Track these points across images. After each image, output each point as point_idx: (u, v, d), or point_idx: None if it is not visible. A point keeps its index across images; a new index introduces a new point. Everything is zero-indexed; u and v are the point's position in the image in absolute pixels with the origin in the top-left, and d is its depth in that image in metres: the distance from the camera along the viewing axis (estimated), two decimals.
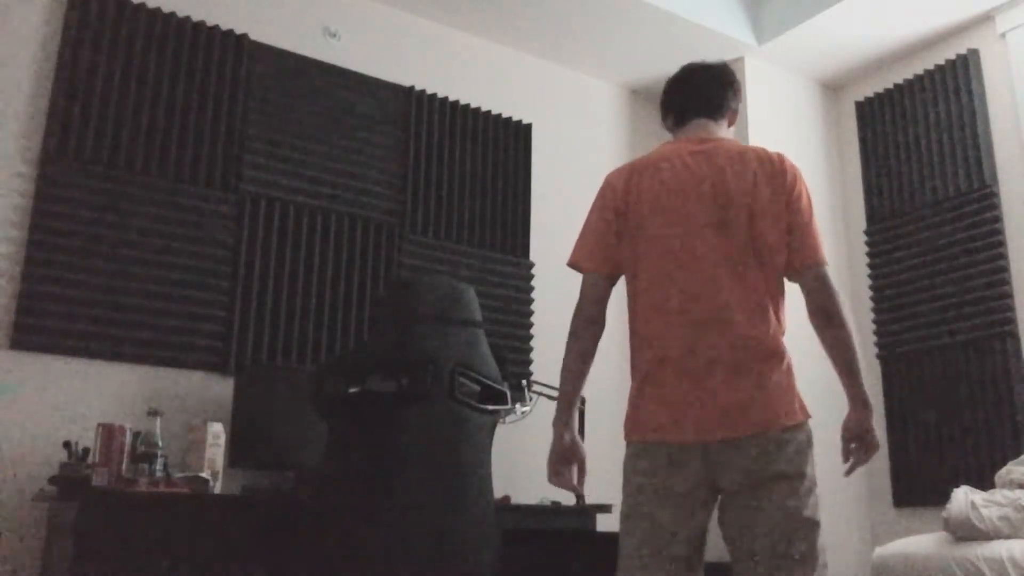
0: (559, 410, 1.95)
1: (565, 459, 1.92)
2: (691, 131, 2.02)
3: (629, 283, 1.95)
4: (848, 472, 1.92)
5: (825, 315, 1.86)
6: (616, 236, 1.95)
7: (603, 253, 1.96)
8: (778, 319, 1.86)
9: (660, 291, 1.86)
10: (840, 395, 1.93)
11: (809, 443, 1.80)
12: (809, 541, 1.72)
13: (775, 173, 1.90)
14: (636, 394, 1.89)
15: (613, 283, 1.98)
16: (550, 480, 1.93)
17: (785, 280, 1.91)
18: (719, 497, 1.82)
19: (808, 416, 1.83)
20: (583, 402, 3.67)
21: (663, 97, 2.11)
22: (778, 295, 1.87)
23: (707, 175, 1.90)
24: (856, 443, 1.88)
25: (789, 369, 1.83)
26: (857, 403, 1.88)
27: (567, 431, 1.93)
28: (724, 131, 2.06)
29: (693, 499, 1.78)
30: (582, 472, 1.95)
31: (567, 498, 3.64)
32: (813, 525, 1.74)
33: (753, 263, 1.84)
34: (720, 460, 1.77)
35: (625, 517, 1.83)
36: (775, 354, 1.80)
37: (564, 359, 1.98)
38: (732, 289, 1.82)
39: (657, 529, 1.77)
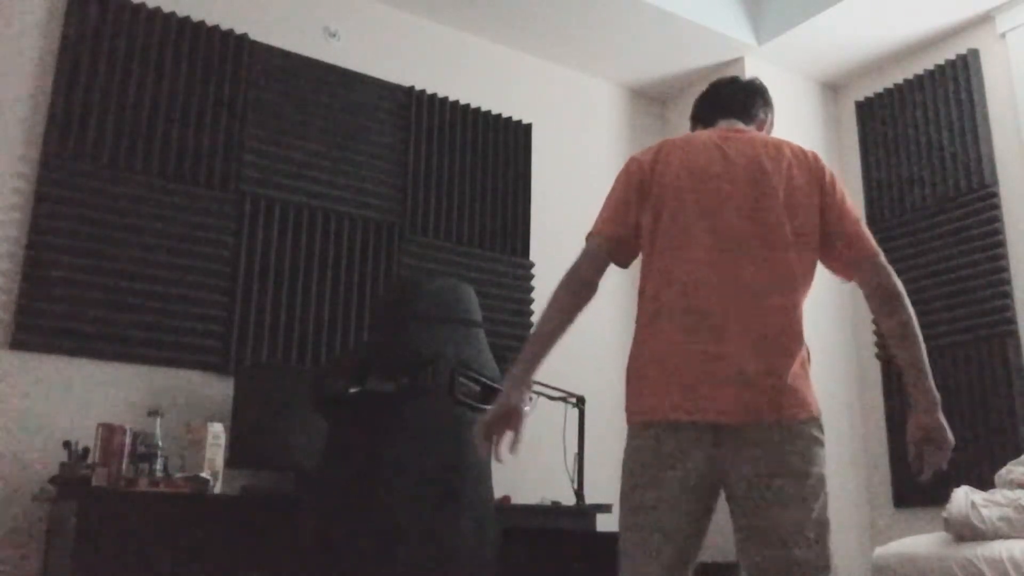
0: (517, 366, 1.80)
1: (503, 421, 1.78)
2: (720, 127, 1.97)
3: (647, 257, 1.84)
4: (924, 476, 1.84)
5: (894, 298, 1.78)
6: (636, 209, 1.87)
7: (617, 221, 1.87)
8: (801, 308, 1.79)
9: (683, 264, 1.77)
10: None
11: (821, 441, 1.72)
12: (821, 543, 1.66)
13: (811, 166, 1.86)
14: (635, 358, 1.78)
15: (617, 256, 1.89)
16: (475, 438, 1.80)
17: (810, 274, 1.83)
18: (723, 491, 1.74)
19: (819, 413, 1.76)
20: (582, 401, 3.67)
21: (694, 111, 2.10)
22: (805, 285, 1.80)
23: (741, 157, 1.84)
24: (929, 444, 1.79)
25: (807, 360, 1.77)
26: (928, 399, 1.78)
27: (515, 391, 1.78)
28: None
29: (699, 490, 1.69)
30: (516, 440, 1.81)
31: (567, 498, 3.64)
32: (823, 526, 1.68)
33: (785, 247, 1.76)
34: (730, 447, 1.68)
35: (631, 512, 1.73)
36: (799, 338, 1.74)
37: (544, 312, 1.82)
38: (763, 269, 1.74)
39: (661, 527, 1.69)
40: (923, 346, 1.77)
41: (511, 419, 1.79)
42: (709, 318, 1.71)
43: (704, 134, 1.91)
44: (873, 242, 1.84)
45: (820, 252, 1.84)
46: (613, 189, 1.92)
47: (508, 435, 1.82)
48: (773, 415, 1.67)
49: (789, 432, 1.67)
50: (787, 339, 1.71)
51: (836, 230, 1.83)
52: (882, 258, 1.82)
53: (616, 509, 2.94)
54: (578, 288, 1.84)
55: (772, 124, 2.11)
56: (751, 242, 1.76)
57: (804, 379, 1.73)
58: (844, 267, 1.86)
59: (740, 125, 1.98)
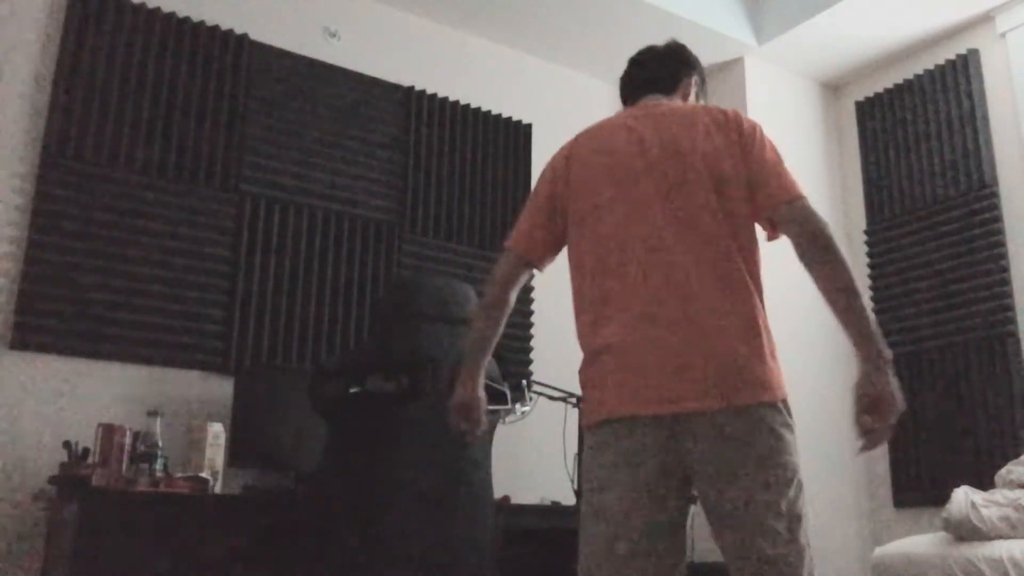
0: (463, 368, 1.91)
1: (462, 412, 1.89)
2: (640, 105, 1.88)
3: (574, 270, 1.78)
4: (863, 448, 1.58)
5: (816, 246, 1.60)
6: (548, 217, 1.83)
7: (529, 234, 1.84)
8: (756, 286, 1.65)
9: (612, 264, 1.68)
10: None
11: (788, 425, 1.60)
12: (794, 539, 1.53)
13: (729, 126, 1.73)
14: (587, 367, 1.71)
15: (529, 267, 1.88)
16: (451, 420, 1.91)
17: (760, 243, 1.71)
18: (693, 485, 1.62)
19: (785, 396, 1.62)
20: (582, 401, 3.67)
21: (620, 89, 2.00)
22: (751, 258, 1.67)
23: (653, 136, 1.74)
24: (871, 410, 1.55)
25: (768, 339, 1.62)
26: (868, 355, 1.56)
27: (465, 385, 1.89)
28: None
29: (657, 487, 1.58)
30: (475, 425, 1.90)
31: (567, 498, 3.64)
32: (795, 519, 1.54)
33: (717, 225, 1.64)
34: (687, 438, 1.57)
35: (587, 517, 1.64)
36: (747, 319, 1.60)
37: (471, 334, 1.93)
38: (695, 261, 1.62)
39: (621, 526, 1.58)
40: (859, 295, 1.58)
41: (468, 410, 1.88)
42: (648, 313, 1.61)
43: (617, 116, 1.83)
44: (795, 185, 1.68)
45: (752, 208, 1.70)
46: (531, 197, 1.89)
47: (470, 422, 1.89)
48: (721, 401, 1.54)
49: (743, 417, 1.55)
50: (732, 321, 1.59)
51: (755, 180, 1.68)
52: (806, 202, 1.65)
53: None
54: (491, 313, 1.89)
55: (701, 83, 1.98)
56: (680, 227, 1.65)
57: (759, 360, 1.58)
58: (767, 222, 1.70)
59: (661, 99, 1.87)
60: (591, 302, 1.71)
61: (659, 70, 1.93)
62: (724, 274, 1.62)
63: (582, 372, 1.73)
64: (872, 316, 1.58)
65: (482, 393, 1.90)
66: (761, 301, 1.65)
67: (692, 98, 1.96)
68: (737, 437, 1.55)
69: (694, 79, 1.96)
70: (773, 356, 1.62)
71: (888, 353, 1.57)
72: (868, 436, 1.56)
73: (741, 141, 1.71)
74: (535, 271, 1.93)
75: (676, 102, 1.87)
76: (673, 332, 1.59)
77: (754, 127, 1.75)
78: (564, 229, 1.83)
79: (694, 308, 1.60)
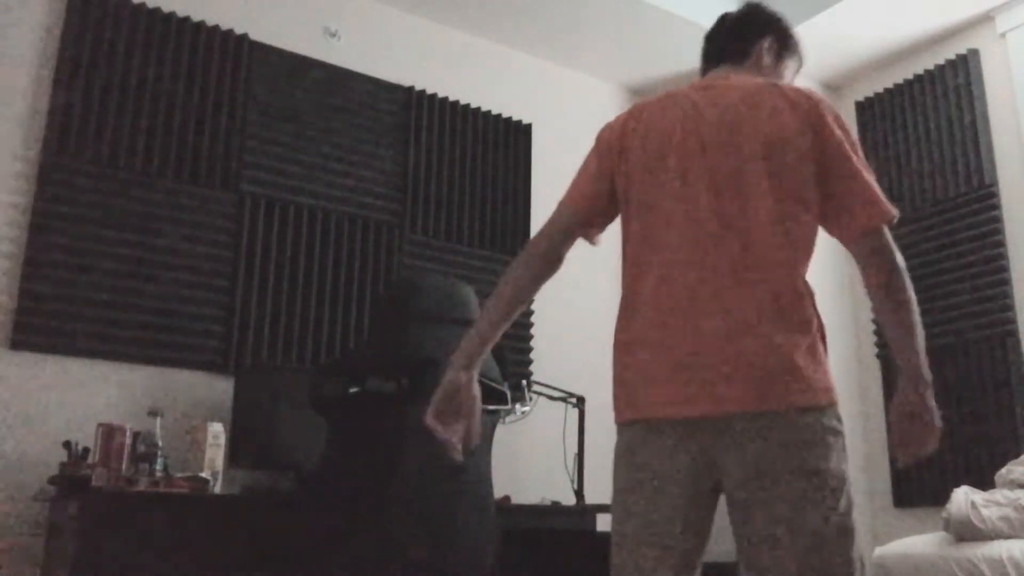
0: (462, 346, 1.61)
1: (449, 403, 1.59)
2: (708, 77, 1.71)
3: (623, 240, 1.64)
4: (902, 464, 1.55)
5: (893, 286, 1.51)
6: (601, 181, 1.66)
7: (583, 192, 1.67)
8: (797, 281, 1.50)
9: (656, 251, 1.55)
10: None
11: (837, 431, 1.47)
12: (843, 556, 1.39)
13: (805, 109, 1.54)
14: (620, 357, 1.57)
15: (584, 228, 1.68)
16: (428, 421, 1.59)
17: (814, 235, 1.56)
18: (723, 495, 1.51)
19: (835, 401, 1.50)
20: (582, 401, 3.67)
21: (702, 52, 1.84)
22: (800, 252, 1.52)
23: (714, 113, 1.57)
24: (913, 425, 1.50)
25: (817, 340, 1.50)
26: (917, 375, 1.50)
27: (464, 372, 1.59)
28: (754, 76, 1.70)
29: (692, 492, 1.48)
30: (471, 429, 1.59)
31: (567, 498, 3.64)
32: (846, 535, 1.41)
33: (767, 214, 1.49)
34: (720, 443, 1.45)
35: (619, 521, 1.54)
36: (796, 316, 1.47)
37: (496, 288, 1.63)
38: (741, 244, 1.49)
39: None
40: (919, 325, 1.50)
41: (460, 403, 1.59)
42: (684, 307, 1.49)
43: (677, 92, 1.66)
44: (882, 207, 1.52)
45: (820, 213, 1.55)
46: (584, 160, 1.72)
47: (459, 425, 1.59)
48: (763, 403, 1.42)
49: (786, 422, 1.42)
50: (779, 318, 1.45)
51: (832, 188, 1.53)
52: (886, 236, 1.53)
53: None
54: (538, 263, 1.64)
55: (783, 44, 1.80)
56: (727, 213, 1.50)
57: (810, 361, 1.46)
58: (842, 235, 1.57)
59: (730, 71, 1.71)
60: (626, 294, 1.59)
61: (727, 40, 1.76)
62: (770, 272, 1.48)
63: (613, 363, 1.59)
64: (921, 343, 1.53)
65: (476, 385, 1.63)
66: (807, 303, 1.51)
67: (770, 63, 1.77)
68: (773, 441, 1.42)
69: (767, 42, 1.77)
70: (819, 356, 1.49)
71: (930, 377, 1.51)
72: (907, 451, 1.53)
73: (816, 130, 1.53)
74: (590, 241, 1.74)
75: (744, 75, 1.67)
76: (714, 334, 1.46)
77: (837, 116, 1.56)
78: (615, 204, 1.67)
79: (738, 307, 1.47)
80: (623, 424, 1.56)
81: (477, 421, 1.61)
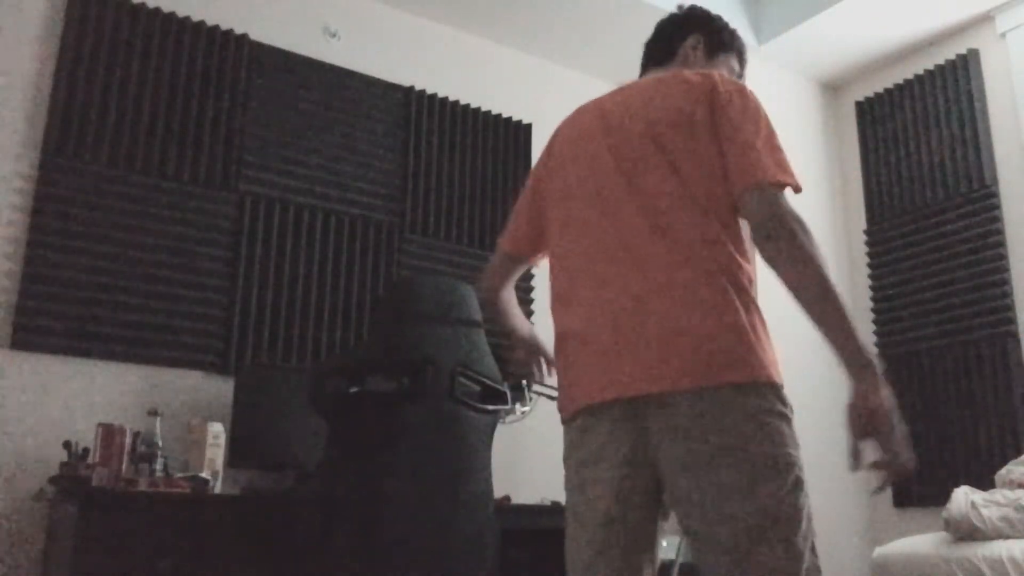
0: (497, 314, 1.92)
1: (529, 349, 1.84)
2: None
3: (549, 257, 1.70)
4: (876, 491, 1.37)
5: (770, 244, 1.38)
6: (531, 208, 1.76)
7: (515, 228, 1.81)
8: (730, 263, 1.44)
9: (567, 275, 1.57)
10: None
11: (778, 412, 1.38)
12: (787, 545, 1.31)
13: (701, 84, 1.52)
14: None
15: (518, 264, 1.84)
16: (519, 369, 1.82)
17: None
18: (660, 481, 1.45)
19: (778, 380, 1.41)
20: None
21: None
22: (726, 233, 1.46)
23: (617, 108, 1.59)
24: (867, 435, 1.33)
25: (748, 313, 1.42)
26: (852, 369, 1.35)
27: (522, 323, 1.87)
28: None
29: (624, 481, 1.43)
30: (549, 363, 1.82)
31: None
32: (790, 523, 1.32)
33: (678, 204, 1.46)
34: (655, 425, 1.40)
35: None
36: (719, 289, 1.42)
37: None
38: (658, 262, 1.44)
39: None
40: (837, 300, 1.36)
41: (533, 347, 1.83)
42: (603, 296, 1.47)
43: (597, 99, 1.69)
44: (763, 167, 1.43)
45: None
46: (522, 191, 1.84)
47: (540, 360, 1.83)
48: (693, 381, 1.36)
49: (720, 400, 1.34)
50: (699, 292, 1.40)
51: (726, 144, 1.48)
52: (771, 191, 1.41)
53: None
54: (487, 309, 1.92)
55: (712, 40, 1.75)
56: (639, 207, 1.48)
57: (738, 336, 1.38)
58: (736, 204, 1.48)
59: (655, 72, 1.73)
60: (558, 287, 1.61)
61: (654, 44, 1.79)
62: (692, 254, 1.44)
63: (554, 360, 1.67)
64: (851, 317, 1.38)
65: (530, 331, 1.87)
66: (739, 275, 1.45)
67: (699, 60, 1.74)
68: (702, 422, 1.35)
69: (691, 40, 1.75)
70: (755, 332, 1.41)
71: (874, 361, 1.35)
72: (878, 471, 1.33)
73: (712, 104, 1.50)
74: (531, 266, 1.90)
75: (668, 72, 1.64)
76: (628, 310, 1.44)
77: (731, 92, 1.51)
78: (537, 225, 1.78)
79: (652, 285, 1.43)
80: (564, 421, 1.58)
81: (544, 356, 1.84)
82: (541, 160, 1.77)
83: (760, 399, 1.37)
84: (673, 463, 1.38)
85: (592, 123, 1.62)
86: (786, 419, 1.40)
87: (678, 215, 1.45)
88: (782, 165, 1.46)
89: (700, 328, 1.38)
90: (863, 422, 1.34)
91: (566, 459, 1.55)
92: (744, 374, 1.36)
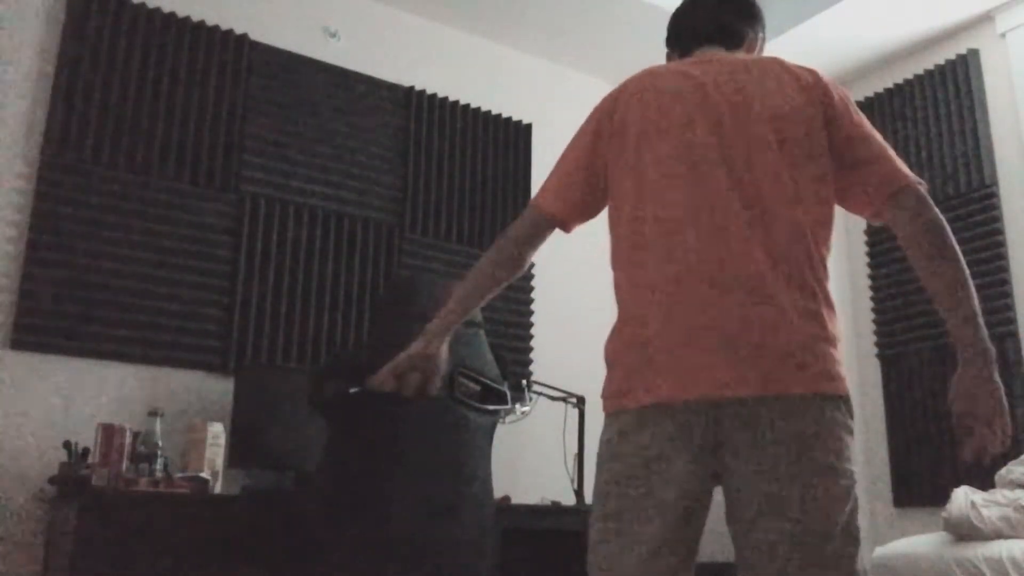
0: (443, 319, 1.62)
1: (410, 364, 1.59)
2: (696, 56, 1.64)
3: (618, 226, 1.54)
4: (973, 458, 1.39)
5: (941, 233, 1.42)
6: (587, 176, 1.59)
7: (562, 193, 1.61)
8: (823, 269, 1.44)
9: (651, 254, 1.45)
10: None
11: (848, 427, 1.39)
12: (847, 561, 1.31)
13: (812, 85, 1.50)
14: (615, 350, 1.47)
15: (550, 231, 1.65)
16: (379, 377, 1.61)
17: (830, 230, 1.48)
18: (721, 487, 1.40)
19: (848, 393, 1.41)
20: (582, 401, 3.67)
21: (668, 31, 1.73)
22: (821, 239, 1.45)
23: (716, 85, 1.50)
24: (975, 417, 1.38)
25: (833, 324, 1.42)
26: (976, 353, 1.42)
27: (436, 342, 1.59)
28: None
29: (692, 490, 1.35)
30: (429, 379, 1.59)
31: (567, 498, 3.64)
32: (851, 542, 1.33)
33: (785, 199, 1.42)
34: (727, 430, 1.34)
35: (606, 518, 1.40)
36: (812, 296, 1.40)
37: (468, 274, 1.63)
38: (754, 238, 1.40)
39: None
40: (973, 289, 1.42)
41: (424, 364, 1.59)
42: (689, 287, 1.39)
43: (672, 64, 1.59)
44: (907, 171, 1.48)
45: (836, 188, 1.50)
46: (569, 146, 1.64)
47: (416, 376, 1.59)
48: (768, 387, 1.33)
49: (796, 410, 1.32)
50: (789, 300, 1.37)
51: (854, 159, 1.48)
52: (922, 189, 1.47)
53: None
54: (502, 266, 1.62)
55: (764, 41, 1.74)
56: (741, 195, 1.43)
57: (827, 346, 1.38)
58: (871, 203, 1.50)
59: (722, 53, 1.62)
60: (627, 268, 1.49)
61: (720, 19, 1.67)
62: (787, 254, 1.40)
63: (608, 342, 1.50)
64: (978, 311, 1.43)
65: (444, 354, 1.62)
66: (826, 285, 1.44)
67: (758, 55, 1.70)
68: (786, 433, 1.31)
69: (760, 37, 1.72)
70: (835, 345, 1.41)
71: (991, 349, 1.43)
72: (971, 444, 1.38)
73: (826, 106, 1.49)
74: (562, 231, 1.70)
75: (764, 58, 1.58)
76: (715, 308, 1.37)
77: (844, 98, 1.52)
78: (603, 191, 1.59)
79: (746, 281, 1.37)
80: (611, 413, 1.45)
81: (437, 378, 1.61)
82: (602, 124, 1.59)
83: (842, 414, 1.39)
84: (743, 472, 1.34)
85: (686, 92, 1.51)
86: (852, 435, 1.42)
87: (786, 213, 1.42)
88: (906, 168, 1.51)
89: (793, 333, 1.36)
90: (964, 403, 1.40)
91: (608, 452, 1.43)
92: (827, 384, 1.37)
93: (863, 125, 1.51)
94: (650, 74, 1.57)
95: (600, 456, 1.45)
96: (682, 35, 1.70)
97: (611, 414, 1.45)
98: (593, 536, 1.41)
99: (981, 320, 1.42)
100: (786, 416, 1.32)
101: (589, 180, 1.60)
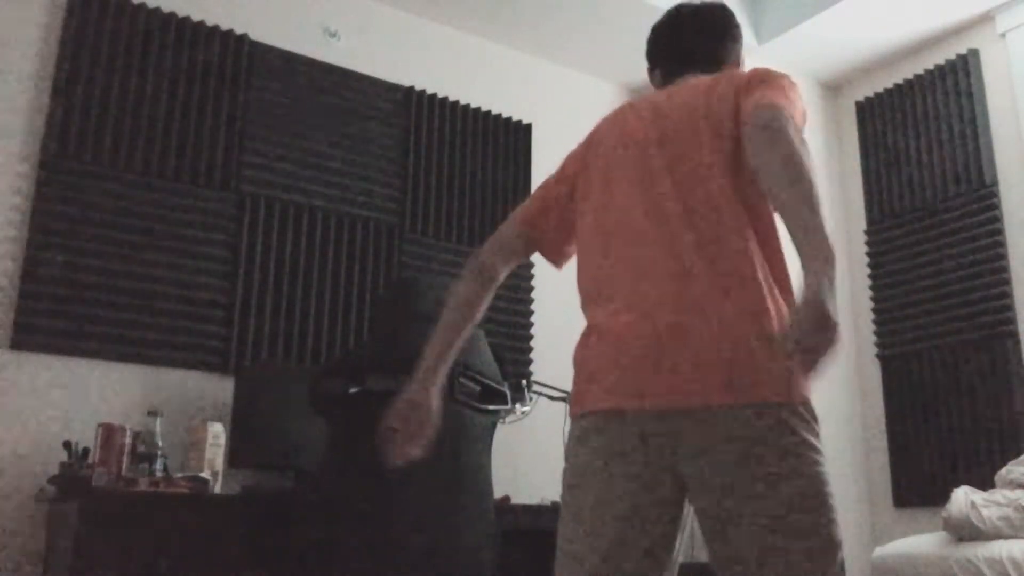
0: (421, 363, 1.61)
1: (407, 418, 1.58)
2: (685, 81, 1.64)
3: (579, 245, 1.56)
4: (801, 371, 1.21)
5: (765, 132, 1.33)
6: (559, 198, 1.61)
7: (534, 211, 1.63)
8: (771, 272, 1.40)
9: (610, 251, 1.47)
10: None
11: (814, 431, 1.34)
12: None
13: (738, 79, 1.49)
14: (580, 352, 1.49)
15: (530, 249, 1.67)
16: (386, 428, 1.57)
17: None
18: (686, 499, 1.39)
19: (807, 398, 1.35)
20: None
21: (648, 46, 1.74)
22: (766, 240, 1.42)
23: (669, 104, 1.52)
24: (804, 327, 1.15)
25: (770, 332, 1.34)
26: (817, 262, 1.18)
27: (425, 389, 1.59)
28: None
29: (649, 499, 1.36)
30: (414, 438, 1.57)
31: None
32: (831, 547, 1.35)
33: (725, 199, 1.41)
34: (685, 441, 1.32)
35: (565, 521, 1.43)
36: (759, 309, 1.34)
37: (446, 303, 1.62)
38: (697, 240, 1.39)
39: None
40: (814, 190, 1.25)
41: (417, 416, 1.58)
42: (640, 292, 1.40)
43: (644, 97, 1.61)
44: (776, 98, 1.40)
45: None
46: (544, 182, 1.69)
47: (412, 431, 1.58)
48: (732, 396, 1.30)
49: (755, 417, 1.29)
50: (737, 306, 1.35)
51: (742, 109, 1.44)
52: (785, 116, 1.36)
53: None
54: (478, 277, 1.64)
55: (742, 58, 1.75)
56: (684, 201, 1.42)
57: (768, 352, 1.32)
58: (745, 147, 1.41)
59: (707, 79, 1.58)
60: (589, 278, 1.52)
61: (702, 45, 1.69)
62: (729, 256, 1.38)
63: (576, 350, 1.51)
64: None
65: (436, 402, 1.61)
66: (777, 287, 1.39)
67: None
68: (747, 440, 1.29)
69: (742, 53, 1.74)
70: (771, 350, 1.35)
71: (832, 256, 1.20)
72: (800, 358, 1.18)
73: (738, 88, 1.47)
74: (553, 266, 1.72)
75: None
76: (667, 315, 1.36)
77: (767, 72, 1.49)
78: (574, 215, 1.60)
79: (694, 289, 1.36)
80: (575, 416, 1.46)
81: (426, 435, 1.60)
82: (576, 153, 1.66)
83: (802, 419, 1.33)
84: (709, 483, 1.32)
85: (643, 115, 1.55)
86: (818, 437, 1.37)
87: (729, 221, 1.40)
88: (790, 103, 1.42)
89: (743, 342, 1.33)
90: (811, 325, 1.16)
91: (570, 451, 1.46)
92: (780, 390, 1.32)
93: (759, 84, 1.46)
94: (621, 106, 1.63)
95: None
96: (661, 59, 1.72)
97: (572, 416, 1.50)
98: None
99: (824, 228, 1.22)
100: (741, 422, 1.32)
101: (562, 204, 1.68)
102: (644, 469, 1.35)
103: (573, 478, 1.43)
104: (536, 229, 1.66)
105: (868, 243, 4.37)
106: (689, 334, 1.34)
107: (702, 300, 1.35)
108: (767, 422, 1.29)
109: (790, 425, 1.30)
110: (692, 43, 1.68)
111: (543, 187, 1.68)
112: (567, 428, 4.06)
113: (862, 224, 4.44)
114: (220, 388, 3.25)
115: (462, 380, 2.37)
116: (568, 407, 1.50)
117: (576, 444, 1.44)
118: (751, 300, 1.35)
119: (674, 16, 1.73)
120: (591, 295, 1.51)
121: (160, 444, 2.74)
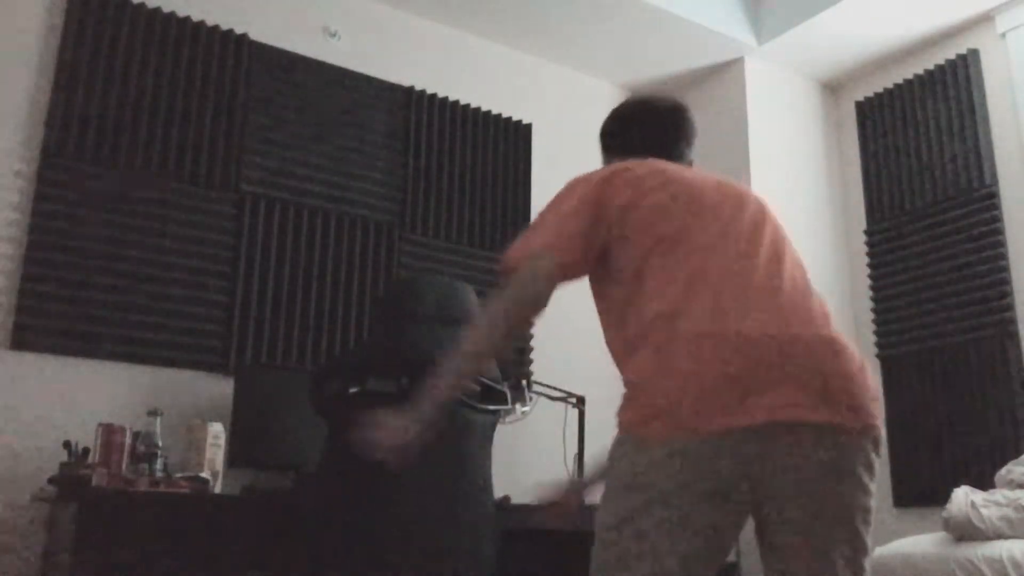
0: (441, 381, 1.62)
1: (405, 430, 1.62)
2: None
3: (658, 284, 1.48)
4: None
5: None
6: (592, 229, 1.56)
7: (571, 241, 1.54)
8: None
9: (707, 278, 1.46)
10: None
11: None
12: None
13: None
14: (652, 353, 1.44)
15: (566, 279, 1.59)
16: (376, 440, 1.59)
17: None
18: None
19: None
20: (582, 401, 3.67)
21: (631, 131, 1.81)
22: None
23: (728, 187, 1.64)
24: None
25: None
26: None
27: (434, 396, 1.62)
28: None
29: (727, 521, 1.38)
30: (405, 451, 1.59)
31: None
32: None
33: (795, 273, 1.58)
34: (767, 454, 1.33)
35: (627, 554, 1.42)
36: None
37: (487, 329, 1.55)
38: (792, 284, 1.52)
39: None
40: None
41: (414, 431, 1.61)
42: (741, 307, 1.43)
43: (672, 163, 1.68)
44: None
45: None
46: (566, 203, 1.58)
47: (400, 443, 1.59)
48: (829, 415, 1.35)
49: (847, 439, 1.35)
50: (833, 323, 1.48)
51: None
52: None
53: None
54: (533, 310, 1.54)
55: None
56: (761, 258, 1.52)
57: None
58: None
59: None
60: (670, 303, 1.45)
61: (687, 143, 1.83)
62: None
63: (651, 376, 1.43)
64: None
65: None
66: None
67: None
68: (837, 462, 1.32)
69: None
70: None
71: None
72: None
73: None
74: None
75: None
76: (764, 331, 1.38)
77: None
78: (603, 246, 1.58)
79: (793, 313, 1.42)
80: (664, 440, 1.37)
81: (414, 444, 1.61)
82: (611, 191, 1.58)
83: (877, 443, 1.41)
84: (791, 505, 1.37)
85: (700, 180, 1.62)
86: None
87: (799, 279, 1.53)
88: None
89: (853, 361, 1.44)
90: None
91: (655, 472, 1.39)
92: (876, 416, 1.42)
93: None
94: (654, 163, 1.66)
95: None
96: (672, 137, 1.80)
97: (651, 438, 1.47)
98: None
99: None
100: (835, 443, 1.39)
101: (593, 234, 1.69)
102: (728, 482, 1.38)
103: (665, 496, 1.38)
104: (573, 260, 1.58)
105: (868, 243, 4.37)
106: (804, 353, 1.40)
107: (814, 319, 1.45)
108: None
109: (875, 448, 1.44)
110: (686, 140, 1.85)
111: (564, 222, 1.59)
112: (567, 428, 4.04)
113: (862, 224, 4.44)
114: (220, 388, 3.25)
115: None
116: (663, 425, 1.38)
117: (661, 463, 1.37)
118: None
119: (668, 106, 1.86)
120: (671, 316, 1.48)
121: (160, 444, 2.74)
